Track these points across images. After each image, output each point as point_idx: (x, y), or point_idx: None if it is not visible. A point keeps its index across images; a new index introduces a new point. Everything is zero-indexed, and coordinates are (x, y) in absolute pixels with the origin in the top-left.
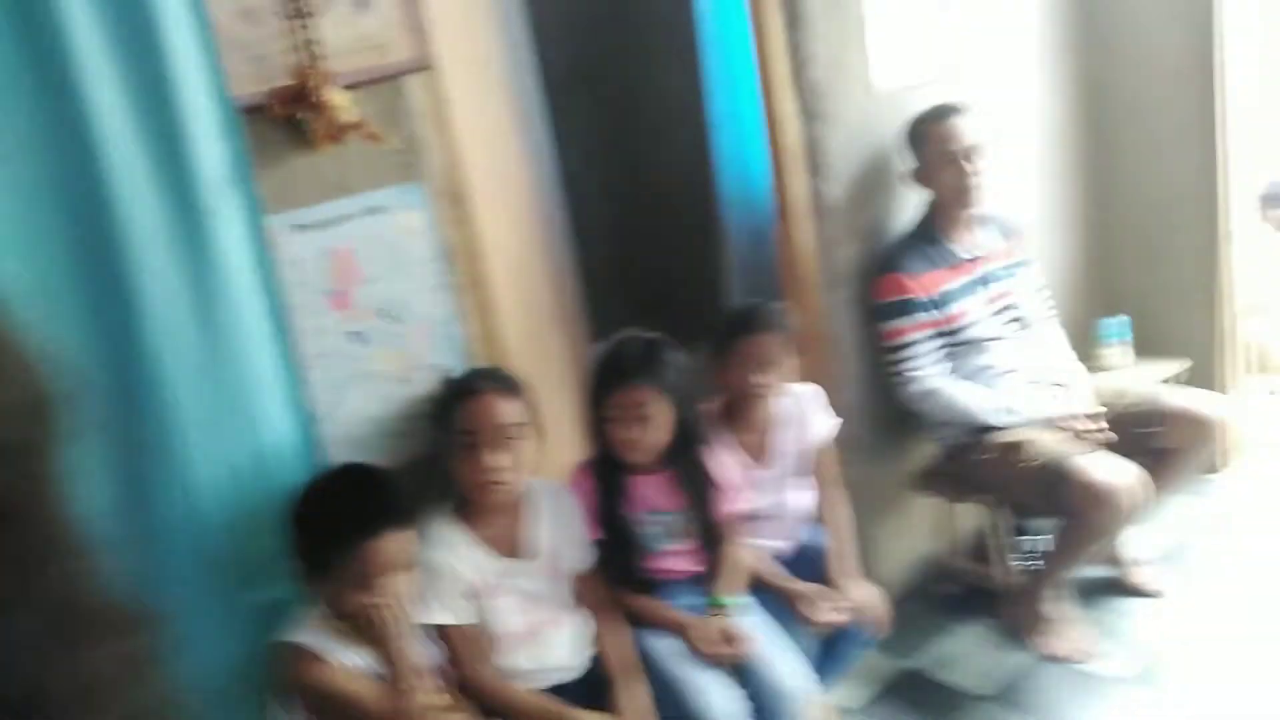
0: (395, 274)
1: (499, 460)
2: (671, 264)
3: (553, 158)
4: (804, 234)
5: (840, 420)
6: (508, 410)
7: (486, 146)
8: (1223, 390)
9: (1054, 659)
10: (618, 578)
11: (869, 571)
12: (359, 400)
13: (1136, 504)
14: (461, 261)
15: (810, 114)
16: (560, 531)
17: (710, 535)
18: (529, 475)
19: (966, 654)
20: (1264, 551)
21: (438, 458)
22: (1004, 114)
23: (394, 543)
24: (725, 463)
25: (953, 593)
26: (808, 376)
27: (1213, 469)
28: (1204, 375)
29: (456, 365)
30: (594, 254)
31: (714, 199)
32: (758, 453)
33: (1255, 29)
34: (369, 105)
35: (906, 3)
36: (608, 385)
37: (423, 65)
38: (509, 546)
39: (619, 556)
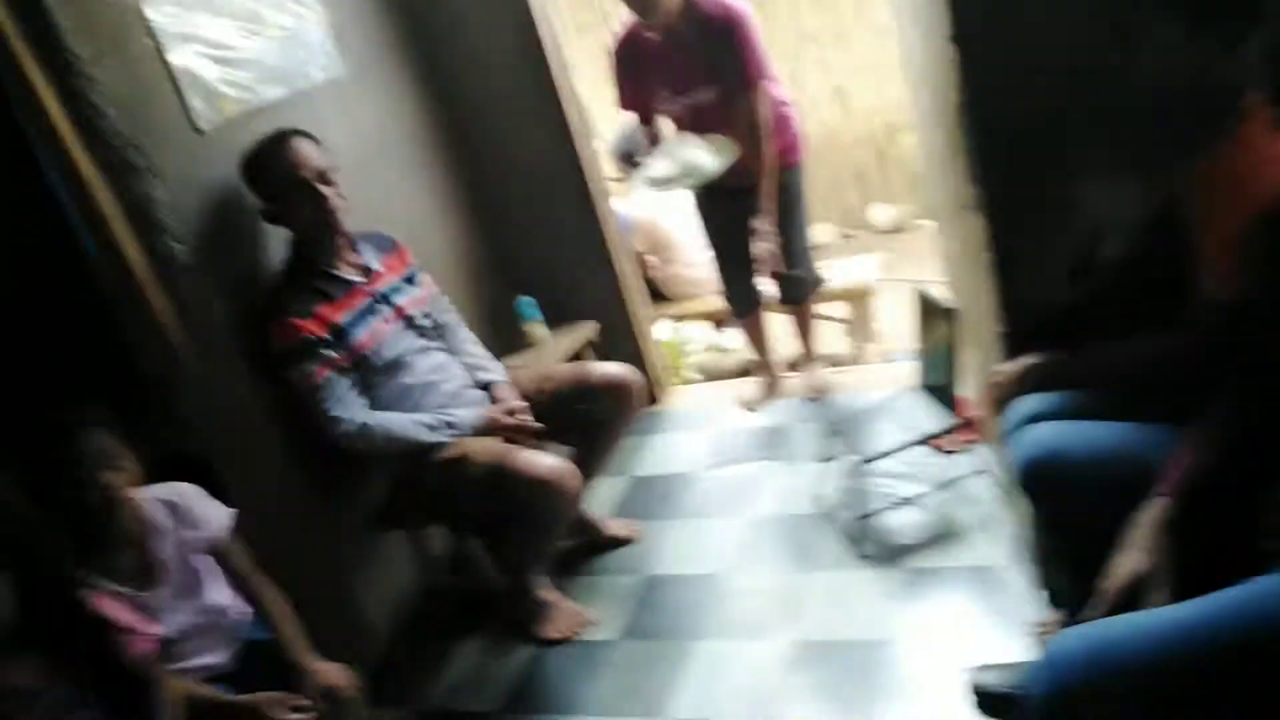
0: None
1: None
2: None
3: None
4: (160, 300)
5: (236, 510)
6: None
7: None
8: (638, 336)
9: (558, 641)
10: None
11: (357, 624)
12: None
13: (580, 482)
14: None
15: (122, 168)
16: None
17: (120, 692)
18: None
19: (476, 670)
20: (699, 465)
21: None
22: (355, 131)
23: None
24: (105, 602)
25: (447, 613)
26: (211, 457)
27: (647, 407)
28: (620, 328)
29: None
30: None
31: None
32: (143, 573)
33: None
34: None
35: (214, 31)
36: None
37: None
38: None
39: None
